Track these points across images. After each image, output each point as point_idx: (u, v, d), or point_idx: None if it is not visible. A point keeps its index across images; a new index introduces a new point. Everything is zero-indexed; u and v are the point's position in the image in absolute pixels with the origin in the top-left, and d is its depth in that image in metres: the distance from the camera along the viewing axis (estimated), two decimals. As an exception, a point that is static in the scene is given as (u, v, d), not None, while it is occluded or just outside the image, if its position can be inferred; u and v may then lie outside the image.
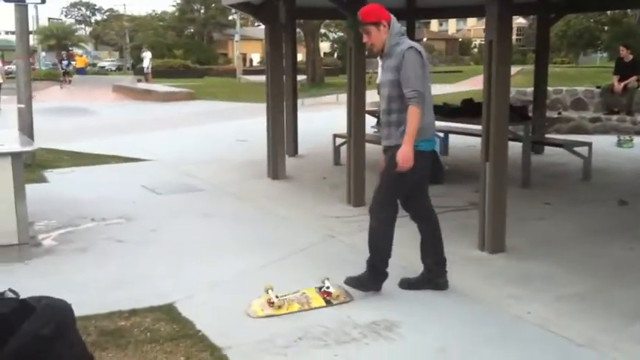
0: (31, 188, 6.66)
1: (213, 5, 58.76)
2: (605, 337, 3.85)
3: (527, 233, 6.03)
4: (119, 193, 7.93)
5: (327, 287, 4.37)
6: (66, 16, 76.61)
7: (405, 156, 4.22)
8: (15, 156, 5.41)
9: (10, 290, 2.85)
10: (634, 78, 12.97)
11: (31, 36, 49.51)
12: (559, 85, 15.36)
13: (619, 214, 6.81)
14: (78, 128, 15.22)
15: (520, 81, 19.76)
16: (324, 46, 53.21)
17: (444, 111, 8.94)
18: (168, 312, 4.24)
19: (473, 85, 25.24)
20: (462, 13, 14.80)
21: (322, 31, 34.40)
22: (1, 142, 5.80)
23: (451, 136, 10.48)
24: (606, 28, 42.64)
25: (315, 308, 4.26)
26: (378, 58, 4.66)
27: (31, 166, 9.16)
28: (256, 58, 62.18)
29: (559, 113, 13.47)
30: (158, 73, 36.95)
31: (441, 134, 10.50)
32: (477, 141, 8.06)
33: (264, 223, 6.62)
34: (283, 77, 9.35)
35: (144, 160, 10.38)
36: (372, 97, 9.63)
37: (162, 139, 13.09)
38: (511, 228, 5.59)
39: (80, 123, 16.54)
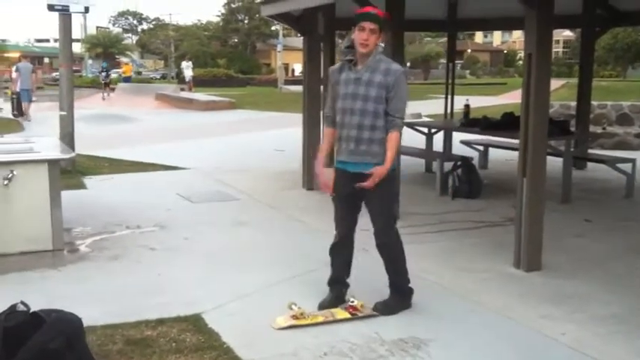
0: (69, 194, 6.78)
1: (257, 15, 59.30)
2: (642, 363, 3.71)
3: (565, 251, 5.87)
4: (155, 200, 7.99)
5: (352, 302, 4.30)
6: (114, 24, 78.20)
7: (381, 176, 4.10)
8: (52, 163, 5.49)
9: (22, 303, 2.86)
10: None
11: (78, 44, 50.72)
12: (605, 100, 15.03)
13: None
14: (119, 135, 15.45)
15: (565, 94, 19.42)
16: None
17: (483, 124, 8.82)
18: (195, 322, 4.23)
19: (516, 98, 24.85)
20: (504, 26, 14.62)
21: (342, 45, 34.44)
22: (40, 149, 5.91)
23: (491, 150, 10.32)
24: (655, 41, 41.74)
25: (340, 320, 4.20)
26: (337, 70, 4.29)
27: (72, 172, 9.30)
28: (298, 68, 62.45)
29: (603, 128, 13.17)
30: (202, 82, 37.42)
31: (481, 148, 10.37)
32: (516, 155, 7.93)
33: (296, 233, 6.58)
34: (321, 88, 9.32)
35: (181, 168, 10.46)
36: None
37: (201, 148, 13.18)
38: (548, 245, 5.44)
39: (121, 130, 16.80)
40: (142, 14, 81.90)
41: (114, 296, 4.72)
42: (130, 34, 79.25)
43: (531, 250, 5.31)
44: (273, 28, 59.04)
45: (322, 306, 4.40)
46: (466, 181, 8.19)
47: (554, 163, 5.63)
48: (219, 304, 4.54)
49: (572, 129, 9.48)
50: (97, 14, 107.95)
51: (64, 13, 9.43)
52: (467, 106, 10.02)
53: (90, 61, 53.92)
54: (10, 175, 5.26)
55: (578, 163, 9.42)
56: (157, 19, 77.20)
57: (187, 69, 34.60)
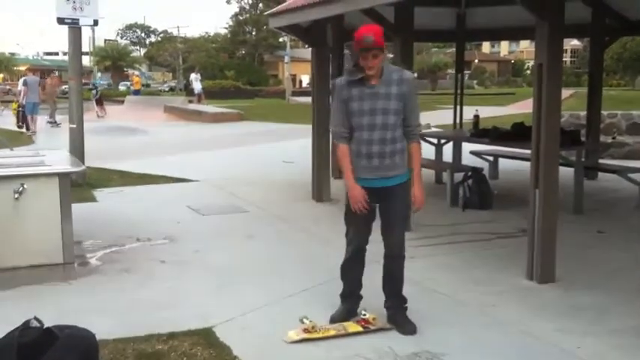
0: (79, 207, 6.77)
1: (264, 27, 59.53)
2: (660, 377, 3.65)
3: (579, 262, 5.81)
4: (165, 213, 7.99)
5: (364, 315, 4.26)
6: (121, 37, 78.69)
7: (423, 196, 4.15)
8: (62, 176, 5.48)
9: (36, 319, 2.85)
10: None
11: (87, 57, 51.05)
12: (614, 109, 14.95)
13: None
14: (128, 148, 15.48)
15: (573, 104, 19.36)
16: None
17: (493, 135, 8.78)
18: (207, 336, 4.20)
19: (524, 108, 24.80)
20: (513, 35, 14.60)
21: (346, 51, 34.51)
22: (50, 162, 5.91)
23: (501, 160, 10.27)
24: (664, 50, 41.65)
25: (352, 334, 4.15)
26: (345, 82, 4.16)
27: (82, 185, 9.31)
28: (306, 79, 62.59)
29: (613, 138, 13.09)
30: (210, 94, 37.51)
31: (491, 158, 10.32)
32: (527, 165, 7.88)
33: (306, 246, 6.55)
34: (329, 99, 9.32)
35: (191, 180, 10.46)
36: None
37: (210, 160, 13.19)
38: (561, 256, 5.39)
39: (131, 142, 16.84)
40: (149, 27, 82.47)
41: (125, 310, 4.70)
42: (137, 47, 79.71)
43: (545, 261, 5.26)
44: (280, 39, 59.19)
45: (334, 319, 4.35)
46: (477, 192, 8.14)
47: (565, 174, 5.58)
48: (230, 318, 4.52)
49: (583, 139, 9.42)
50: (105, 27, 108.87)
51: (74, 26, 9.46)
52: (476, 117, 9.99)
53: (99, 74, 54.23)
54: (20, 189, 5.25)
55: (590, 173, 9.35)
56: (165, 31, 77.62)
57: (196, 81, 34.69)
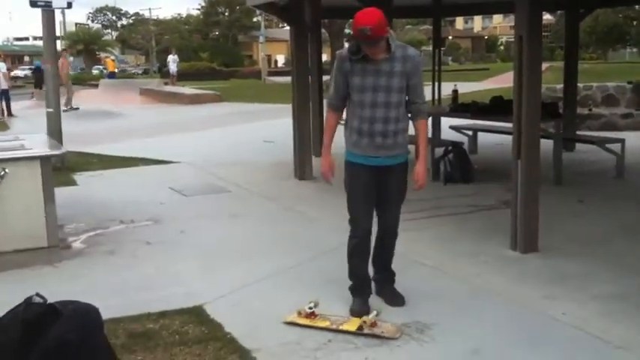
0: (60, 191, 6.70)
1: (237, 8, 59.00)
2: (644, 339, 3.74)
3: (561, 231, 5.91)
4: (147, 195, 7.95)
5: (376, 314, 3.97)
6: (92, 21, 77.44)
7: (425, 175, 4.11)
8: (44, 159, 5.43)
9: (38, 295, 2.84)
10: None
11: (59, 41, 50.25)
12: (589, 82, 15.11)
13: (655, 212, 6.65)
14: (106, 131, 15.34)
15: (549, 78, 19.47)
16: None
17: (473, 109, 8.85)
18: (197, 314, 4.21)
19: (500, 82, 24.96)
20: (488, 10, 14.63)
21: (347, 31, 34.36)
22: (30, 146, 5.85)
23: (480, 135, 10.35)
24: (635, 23, 42.01)
25: (343, 331, 3.90)
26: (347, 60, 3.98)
27: (61, 169, 9.22)
28: (281, 59, 62.31)
29: (590, 110, 13.25)
30: (185, 76, 37.19)
31: (470, 132, 10.39)
32: (506, 139, 7.95)
33: (291, 223, 6.58)
34: (309, 78, 9.30)
35: (171, 162, 10.40)
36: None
37: (189, 142, 13.12)
38: (544, 226, 5.47)
39: (108, 126, 16.67)
40: (120, 10, 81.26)
41: (113, 291, 4.69)
42: (109, 30, 78.58)
43: (527, 231, 5.34)
44: (254, 19, 58.73)
45: (354, 313, 4.10)
46: (458, 167, 8.21)
47: (544, 146, 5.65)
48: (220, 296, 4.53)
49: (560, 111, 9.52)
50: (75, 11, 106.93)
51: (47, 8, 9.31)
52: (455, 92, 10.05)
53: (71, 59, 53.39)
54: (2, 173, 5.20)
55: (567, 144, 9.47)
56: (137, 14, 76.65)
57: (173, 63, 34.33)
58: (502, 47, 70.18)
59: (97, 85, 31.95)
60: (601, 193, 7.54)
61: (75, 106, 20.57)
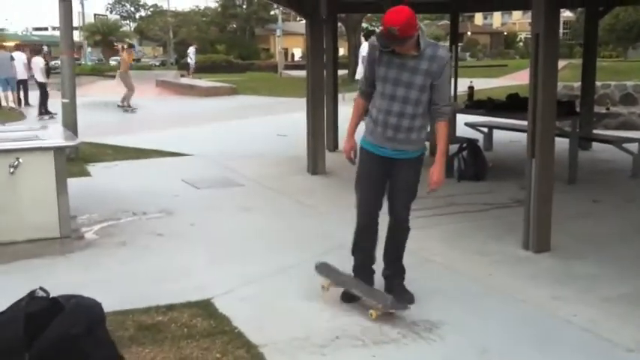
0: (74, 182, 6.76)
1: (255, 0, 58.94)
2: (656, 342, 3.70)
3: (574, 231, 5.85)
4: (160, 187, 7.97)
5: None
6: (111, 12, 77.71)
7: (443, 176, 4.08)
8: (57, 150, 5.47)
9: (41, 289, 2.86)
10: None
11: (77, 32, 50.58)
12: (607, 80, 14.96)
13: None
14: (121, 122, 15.41)
15: (567, 75, 19.31)
16: (366, 41, 52.76)
17: (488, 106, 8.78)
18: (206, 307, 4.22)
19: (518, 79, 24.76)
20: (507, 6, 14.53)
21: (364, 25, 34.24)
22: (45, 137, 5.89)
23: (495, 132, 10.28)
24: (657, 21, 41.51)
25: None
26: (371, 50, 4.06)
27: (75, 160, 9.27)
28: (298, 53, 62.16)
29: (607, 108, 13.12)
30: (201, 69, 37.23)
31: (485, 129, 10.32)
32: (522, 136, 7.89)
33: (302, 218, 6.57)
34: (324, 72, 9.28)
35: (185, 154, 10.43)
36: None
37: (204, 134, 13.14)
38: (557, 226, 5.42)
39: (123, 117, 16.75)
40: (139, 1, 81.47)
41: (123, 282, 4.71)
42: (127, 21, 78.84)
43: (540, 231, 5.29)
44: (272, 12, 58.69)
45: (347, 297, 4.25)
46: (472, 164, 8.16)
47: (559, 144, 5.60)
48: (229, 289, 4.54)
49: (577, 109, 9.43)
50: (95, 2, 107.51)
51: (64, -1, 9.35)
52: (471, 88, 9.97)
53: (89, 49, 53.67)
54: (15, 163, 5.24)
55: (583, 143, 9.37)
56: (155, 5, 76.75)
57: (193, 55, 34.55)
58: (521, 43, 69.62)
59: (113, 77, 32.07)
60: (616, 193, 7.46)
61: (133, 106, 18.46)
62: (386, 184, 4.20)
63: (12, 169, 5.24)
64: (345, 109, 12.40)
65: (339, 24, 12.24)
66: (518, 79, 24.45)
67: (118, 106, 18.43)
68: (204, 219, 6.48)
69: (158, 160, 10.09)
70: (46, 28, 76.14)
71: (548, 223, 5.32)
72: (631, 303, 4.27)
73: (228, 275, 4.83)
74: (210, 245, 5.62)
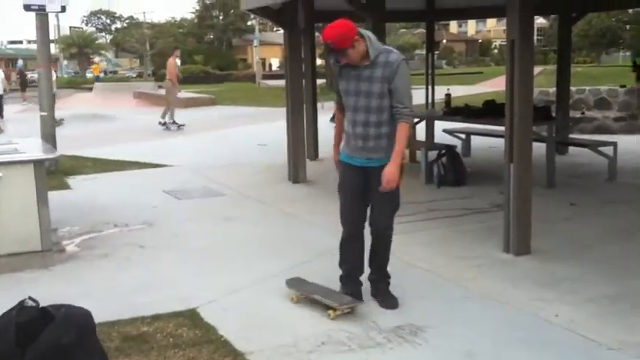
0: (54, 195, 6.70)
1: (232, 11, 59.00)
2: (635, 341, 3.76)
3: (553, 234, 5.94)
4: (141, 198, 7.95)
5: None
6: (87, 24, 77.28)
7: (395, 176, 4.06)
8: (37, 163, 5.43)
9: (30, 298, 2.84)
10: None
11: (53, 44, 50.24)
12: (582, 85, 15.18)
13: (646, 215, 6.69)
14: (100, 134, 15.32)
15: (542, 81, 19.56)
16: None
17: (466, 113, 8.88)
18: (191, 317, 4.22)
19: (494, 86, 25.03)
20: (482, 14, 14.69)
21: None
22: (24, 150, 5.84)
23: (473, 138, 10.39)
24: (628, 26, 42.19)
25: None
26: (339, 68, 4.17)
27: (55, 173, 9.21)
28: (275, 62, 62.29)
29: (582, 113, 13.31)
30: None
31: (463, 136, 10.43)
32: (499, 142, 7.98)
33: (285, 226, 6.59)
34: (303, 81, 9.32)
35: (165, 165, 10.41)
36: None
37: (183, 145, 13.13)
38: (536, 229, 5.50)
39: (102, 129, 16.65)
40: (114, 13, 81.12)
41: (107, 294, 4.70)
42: (103, 34, 78.42)
43: (520, 234, 5.37)
44: (249, 23, 58.78)
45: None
46: (451, 170, 8.24)
47: (537, 149, 5.69)
48: (213, 299, 4.54)
49: (553, 115, 9.57)
50: (70, 14, 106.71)
51: (41, 12, 9.31)
52: (448, 95, 10.08)
53: (65, 62, 53.29)
54: (-5, 177, 5.20)
55: (560, 148, 9.50)
56: (131, 17, 76.48)
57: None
58: (496, 51, 70.34)
59: (91, 89, 31.89)
60: (593, 196, 7.57)
61: (180, 123, 16.10)
62: (367, 191, 4.25)
63: (-8, 183, 5.19)
64: (325, 118, 12.51)
65: (317, 34, 12.31)
66: (494, 85, 24.71)
67: (160, 123, 16.13)
68: (186, 230, 6.48)
69: (138, 171, 10.05)
70: (21, 42, 75.47)
71: (528, 226, 5.40)
72: (611, 303, 4.34)
73: (213, 285, 4.84)
74: (193, 255, 5.62)
